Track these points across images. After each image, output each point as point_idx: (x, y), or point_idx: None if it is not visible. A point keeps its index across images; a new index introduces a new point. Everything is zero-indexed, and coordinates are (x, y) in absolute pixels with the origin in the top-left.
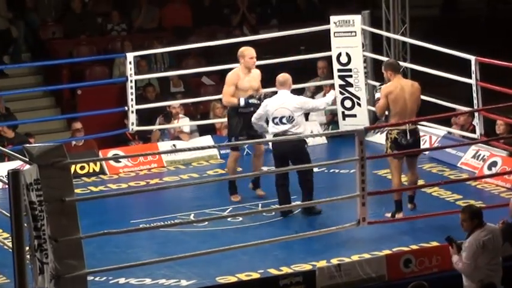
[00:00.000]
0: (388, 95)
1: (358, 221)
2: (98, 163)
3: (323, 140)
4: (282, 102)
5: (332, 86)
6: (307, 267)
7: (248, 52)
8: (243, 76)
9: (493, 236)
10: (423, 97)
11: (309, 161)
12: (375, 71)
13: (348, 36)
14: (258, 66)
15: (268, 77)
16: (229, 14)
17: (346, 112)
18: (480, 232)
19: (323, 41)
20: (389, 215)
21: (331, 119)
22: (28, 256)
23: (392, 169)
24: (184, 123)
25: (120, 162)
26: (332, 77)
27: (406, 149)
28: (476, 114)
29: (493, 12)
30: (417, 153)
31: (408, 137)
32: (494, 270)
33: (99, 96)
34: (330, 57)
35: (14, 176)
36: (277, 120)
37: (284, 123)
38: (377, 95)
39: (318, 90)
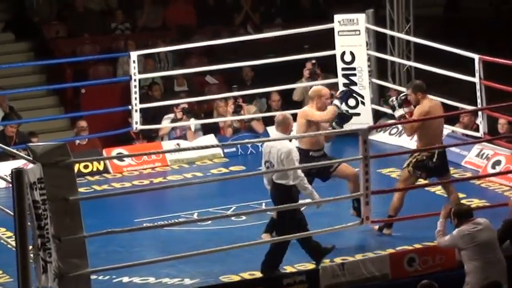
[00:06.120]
0: (425, 115)
1: (362, 219)
2: (102, 162)
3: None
4: (270, 146)
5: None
6: (310, 266)
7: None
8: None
9: (480, 229)
10: None
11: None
12: (379, 70)
13: (352, 35)
14: (262, 66)
15: (273, 77)
16: (232, 13)
17: (350, 111)
18: (466, 226)
19: (327, 40)
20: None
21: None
22: (31, 255)
23: (401, 185)
24: (188, 122)
25: (124, 161)
26: (316, 79)
27: (432, 170)
28: (479, 113)
29: (496, 12)
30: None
31: (435, 159)
32: (491, 263)
33: (103, 95)
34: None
35: (18, 175)
36: (268, 164)
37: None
38: (399, 112)
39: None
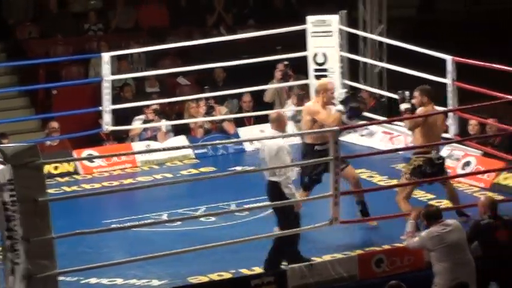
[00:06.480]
0: (426, 119)
1: (331, 220)
2: (72, 163)
3: (298, 139)
4: (264, 144)
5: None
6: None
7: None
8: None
9: (449, 230)
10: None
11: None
12: (351, 71)
13: (324, 36)
14: (234, 67)
15: (245, 78)
16: (205, 14)
17: None
18: (435, 227)
19: (300, 41)
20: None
21: None
22: (0, 256)
23: (401, 196)
24: (160, 123)
25: (94, 162)
26: (288, 80)
27: (429, 176)
28: (450, 114)
29: (470, 13)
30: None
31: (435, 166)
32: (460, 264)
33: (75, 97)
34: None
35: None
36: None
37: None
38: (404, 106)
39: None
